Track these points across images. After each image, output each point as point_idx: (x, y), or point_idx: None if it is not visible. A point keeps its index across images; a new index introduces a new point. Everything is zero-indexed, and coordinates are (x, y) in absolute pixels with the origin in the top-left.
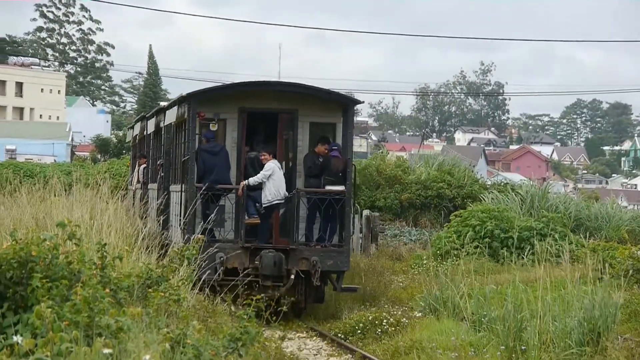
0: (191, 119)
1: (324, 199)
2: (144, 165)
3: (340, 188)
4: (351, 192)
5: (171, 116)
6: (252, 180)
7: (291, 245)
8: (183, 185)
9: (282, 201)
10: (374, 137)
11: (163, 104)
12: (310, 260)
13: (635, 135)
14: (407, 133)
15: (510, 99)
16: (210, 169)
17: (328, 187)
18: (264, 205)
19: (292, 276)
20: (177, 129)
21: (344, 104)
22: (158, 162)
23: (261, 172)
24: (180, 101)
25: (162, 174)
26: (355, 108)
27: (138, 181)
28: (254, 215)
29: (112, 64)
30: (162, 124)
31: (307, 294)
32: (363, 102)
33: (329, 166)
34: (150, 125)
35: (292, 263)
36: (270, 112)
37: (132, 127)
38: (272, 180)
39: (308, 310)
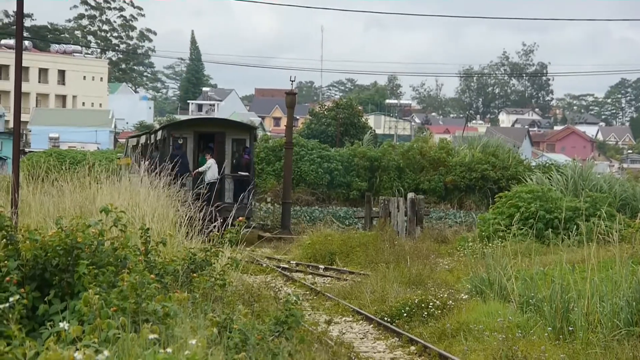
0: (167, 137)
1: (238, 180)
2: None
3: (246, 174)
4: (253, 177)
5: (159, 134)
6: (200, 169)
7: (221, 204)
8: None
9: (216, 181)
10: (417, 120)
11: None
12: (231, 211)
13: None
14: (451, 115)
15: (553, 80)
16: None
17: (240, 173)
18: (205, 183)
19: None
20: (163, 142)
21: (249, 129)
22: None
23: (204, 165)
24: (163, 127)
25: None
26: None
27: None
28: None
29: (153, 50)
30: (157, 138)
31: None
32: (257, 127)
33: (241, 163)
34: (152, 138)
35: (222, 214)
36: (211, 133)
37: (140, 137)
38: (210, 170)
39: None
